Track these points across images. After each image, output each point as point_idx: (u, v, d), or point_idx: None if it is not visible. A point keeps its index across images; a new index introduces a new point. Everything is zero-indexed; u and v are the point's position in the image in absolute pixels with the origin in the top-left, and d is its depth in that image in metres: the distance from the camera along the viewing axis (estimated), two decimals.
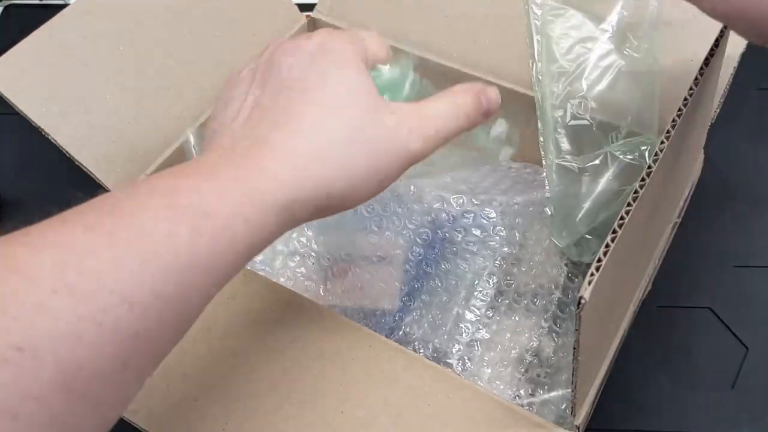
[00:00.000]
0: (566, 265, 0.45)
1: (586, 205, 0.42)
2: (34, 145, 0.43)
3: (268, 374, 0.34)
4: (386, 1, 0.53)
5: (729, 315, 0.50)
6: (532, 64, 0.46)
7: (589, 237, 0.43)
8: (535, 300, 0.45)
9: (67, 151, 0.42)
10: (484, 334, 0.44)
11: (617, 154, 0.42)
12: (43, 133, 0.42)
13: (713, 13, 0.30)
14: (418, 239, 0.47)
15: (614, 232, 0.27)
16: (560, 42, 0.45)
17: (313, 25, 0.56)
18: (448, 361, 0.43)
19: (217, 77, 0.50)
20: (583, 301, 0.25)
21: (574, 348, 0.29)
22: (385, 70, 0.34)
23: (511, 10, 0.49)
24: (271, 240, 0.27)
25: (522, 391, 0.42)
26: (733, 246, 0.54)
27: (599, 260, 0.26)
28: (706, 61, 0.33)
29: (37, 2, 0.76)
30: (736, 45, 0.44)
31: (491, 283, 0.45)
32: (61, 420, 0.20)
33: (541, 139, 0.45)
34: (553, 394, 0.41)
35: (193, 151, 0.46)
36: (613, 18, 0.45)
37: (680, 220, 0.44)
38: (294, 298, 0.37)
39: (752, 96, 0.62)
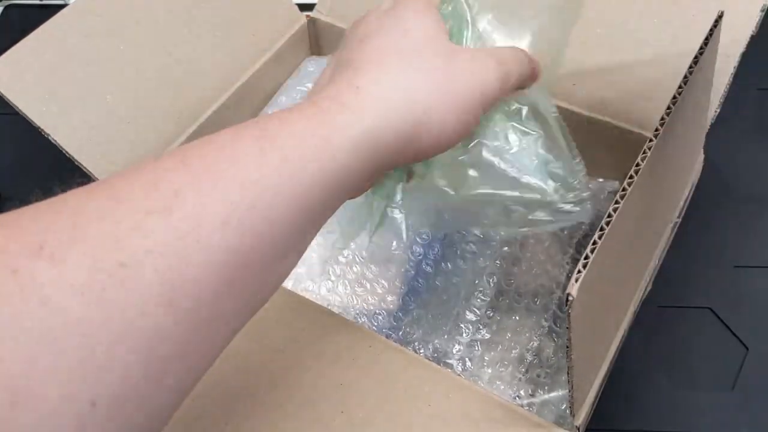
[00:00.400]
0: (567, 263, 0.45)
1: None
2: (34, 145, 0.43)
3: (268, 374, 0.34)
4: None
5: (729, 315, 0.50)
6: None
7: None
8: (536, 300, 0.45)
9: (66, 151, 0.42)
10: (484, 333, 0.44)
11: None
12: (42, 132, 0.42)
13: None
14: (418, 239, 0.47)
15: (602, 229, 0.27)
16: None
17: (313, 25, 0.56)
18: (448, 361, 0.43)
19: (217, 77, 0.50)
20: (570, 299, 0.25)
21: (567, 346, 0.29)
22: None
23: (511, 10, 0.49)
24: (359, 180, 0.28)
25: (522, 392, 0.42)
26: (733, 246, 0.54)
27: (586, 257, 0.26)
28: (695, 59, 0.33)
29: (37, 2, 0.76)
30: (736, 45, 0.44)
31: (491, 283, 0.45)
32: (168, 334, 0.21)
33: None
34: (553, 394, 0.41)
35: None
36: None
37: (680, 220, 0.44)
38: (294, 298, 0.37)
39: (752, 96, 0.62)
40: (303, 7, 0.56)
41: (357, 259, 0.46)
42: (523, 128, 0.35)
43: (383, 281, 0.45)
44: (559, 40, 0.38)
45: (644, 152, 0.30)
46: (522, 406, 0.41)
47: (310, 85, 0.53)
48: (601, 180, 0.48)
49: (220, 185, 0.23)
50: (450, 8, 0.34)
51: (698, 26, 0.45)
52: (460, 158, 0.34)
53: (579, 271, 0.26)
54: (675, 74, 0.45)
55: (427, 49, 0.30)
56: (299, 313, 0.36)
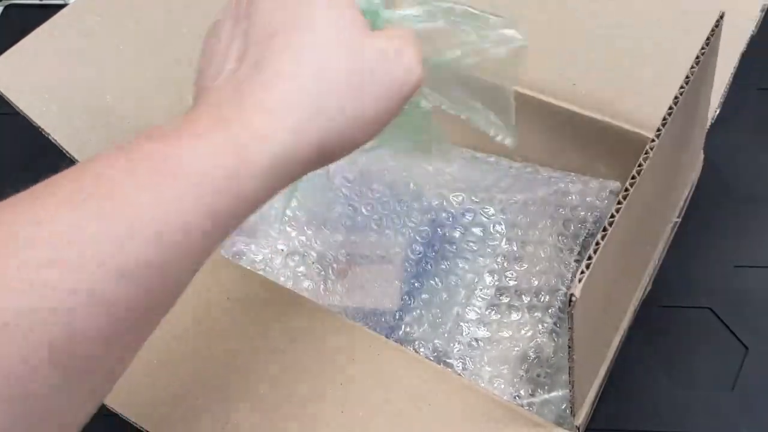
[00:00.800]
0: (573, 262, 0.45)
1: None
2: (34, 145, 0.43)
3: (268, 374, 0.34)
4: (386, 1, 0.52)
5: (729, 315, 0.50)
6: None
7: None
8: (536, 299, 0.45)
9: (67, 151, 0.42)
10: (484, 333, 0.44)
11: None
12: (42, 132, 0.42)
13: None
14: (418, 238, 0.47)
15: (605, 230, 0.27)
16: None
17: None
18: (448, 360, 0.43)
19: None
20: (574, 299, 0.25)
21: (569, 346, 0.29)
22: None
23: (511, 10, 0.49)
24: (268, 196, 0.26)
25: (522, 391, 0.42)
26: (733, 246, 0.54)
27: (590, 258, 0.26)
28: (697, 59, 0.33)
29: (37, 2, 0.76)
30: (736, 45, 0.44)
31: (492, 282, 0.45)
32: (49, 393, 0.20)
33: None
34: (553, 394, 0.41)
35: None
36: None
37: (680, 220, 0.44)
38: (294, 297, 0.37)
39: (752, 96, 0.62)
40: None
41: (357, 259, 0.46)
42: None
43: (383, 281, 0.45)
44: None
45: (646, 152, 0.30)
46: (522, 405, 0.41)
47: None
48: (601, 180, 0.48)
49: (112, 233, 0.21)
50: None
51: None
52: None
53: (582, 272, 0.26)
54: (675, 74, 0.45)
55: (340, 49, 0.27)
56: (299, 313, 0.36)
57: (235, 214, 0.25)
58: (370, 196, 0.49)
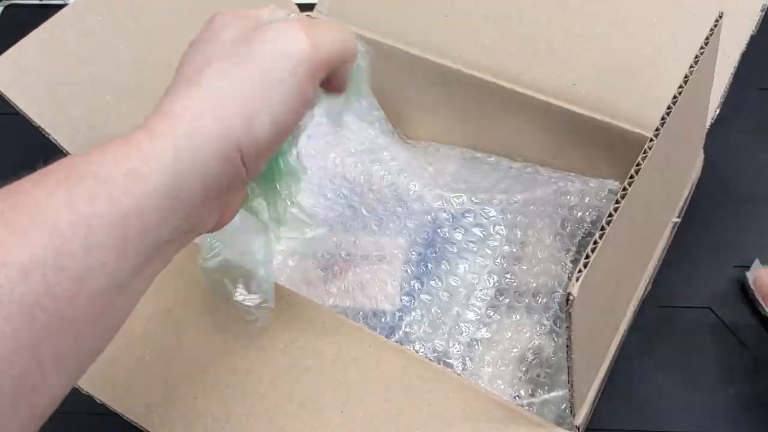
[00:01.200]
0: (570, 263, 0.45)
1: None
2: (34, 145, 0.43)
3: (268, 373, 0.34)
4: (386, 1, 0.52)
5: (729, 315, 0.50)
6: None
7: None
8: (536, 299, 0.45)
9: (67, 151, 0.42)
10: (484, 333, 0.44)
11: None
12: (43, 132, 0.42)
13: None
14: (418, 238, 0.47)
15: (602, 229, 0.27)
16: None
17: None
18: (448, 360, 0.43)
19: None
20: (571, 298, 0.25)
21: (567, 346, 0.29)
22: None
23: (510, 10, 0.49)
24: (189, 206, 0.26)
25: (522, 391, 0.42)
26: (733, 246, 0.54)
27: (587, 257, 0.26)
28: (696, 59, 0.33)
29: (37, 2, 0.76)
30: (736, 45, 0.44)
31: (492, 282, 0.45)
32: None
33: None
34: (553, 394, 0.41)
35: None
36: None
37: (680, 220, 0.44)
38: (294, 298, 0.37)
39: (752, 96, 0.62)
40: (303, 7, 0.56)
41: (357, 259, 0.46)
42: None
43: (383, 280, 0.45)
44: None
45: (644, 152, 0.30)
46: (522, 405, 0.41)
47: None
48: (600, 180, 0.48)
49: (25, 239, 0.21)
50: None
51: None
52: None
53: (580, 271, 0.26)
54: (675, 74, 0.45)
55: (235, 52, 0.29)
56: (299, 313, 0.36)
57: (147, 216, 0.25)
58: (371, 196, 0.49)
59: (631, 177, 0.29)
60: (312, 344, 0.35)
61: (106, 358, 0.35)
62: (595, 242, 0.26)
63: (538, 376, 0.42)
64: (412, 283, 0.45)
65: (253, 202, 0.33)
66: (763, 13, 0.45)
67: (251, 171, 0.29)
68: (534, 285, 0.45)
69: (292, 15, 0.32)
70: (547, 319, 0.44)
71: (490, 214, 0.47)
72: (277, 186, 0.33)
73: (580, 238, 0.46)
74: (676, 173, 0.42)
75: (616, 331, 0.37)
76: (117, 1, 0.46)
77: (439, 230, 0.47)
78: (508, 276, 0.45)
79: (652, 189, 0.35)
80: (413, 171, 0.50)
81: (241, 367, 0.35)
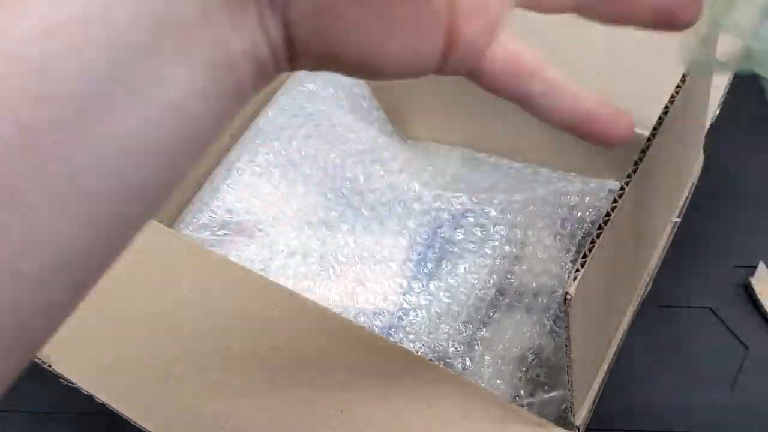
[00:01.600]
0: (570, 263, 0.45)
1: None
2: None
3: (268, 373, 0.34)
4: None
5: (729, 315, 0.50)
6: None
7: None
8: (536, 299, 0.45)
9: None
10: (484, 333, 0.44)
11: None
12: None
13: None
14: (418, 238, 0.47)
15: (599, 228, 0.27)
16: None
17: None
18: (448, 360, 0.43)
19: None
20: (569, 297, 0.25)
21: (566, 345, 0.29)
22: None
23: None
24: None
25: (522, 391, 0.42)
26: (733, 245, 0.54)
27: (584, 256, 0.26)
28: None
29: None
30: (735, 44, 0.44)
31: (492, 282, 0.45)
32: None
33: None
34: (553, 394, 0.41)
35: None
36: None
37: (680, 220, 0.44)
38: (293, 297, 0.37)
39: (752, 96, 0.61)
40: None
41: (357, 258, 0.46)
42: None
43: (383, 280, 0.45)
44: None
45: (642, 151, 0.30)
46: (522, 405, 0.41)
47: (309, 86, 0.53)
48: (600, 180, 0.48)
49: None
50: None
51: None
52: None
53: (577, 270, 0.26)
54: (675, 74, 0.45)
55: None
56: (299, 313, 0.36)
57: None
58: (371, 196, 0.49)
59: (629, 176, 0.29)
60: (312, 344, 0.35)
61: (107, 358, 0.36)
62: (593, 241, 0.26)
63: (538, 376, 0.42)
64: (412, 283, 0.45)
65: None
66: None
67: None
68: (534, 285, 0.45)
69: None
70: (547, 319, 0.44)
71: (490, 214, 0.47)
72: None
73: (580, 238, 0.46)
74: (675, 173, 0.42)
75: (616, 330, 0.37)
76: None
77: (439, 230, 0.47)
78: (508, 276, 0.46)
79: (650, 189, 0.35)
80: (413, 171, 0.50)
81: (242, 366, 0.35)
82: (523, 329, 0.44)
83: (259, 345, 0.35)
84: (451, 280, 0.46)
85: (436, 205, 0.48)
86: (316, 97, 0.52)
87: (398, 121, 0.56)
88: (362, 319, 0.44)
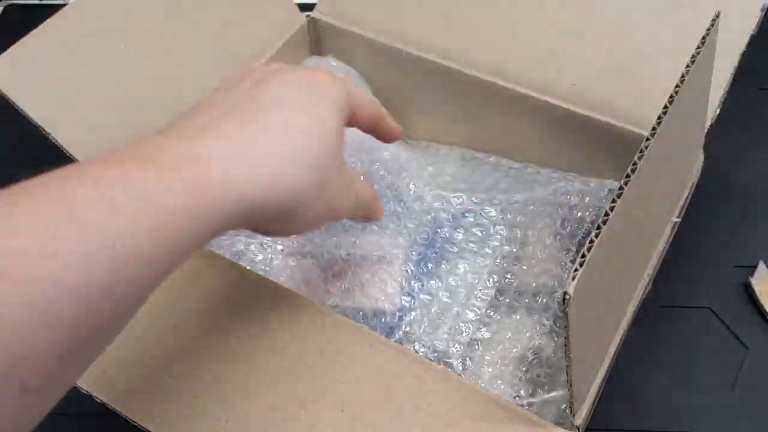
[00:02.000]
0: (569, 263, 0.45)
1: None
2: (34, 145, 0.43)
3: (269, 372, 0.34)
4: (386, 1, 0.53)
5: (729, 315, 0.50)
6: None
7: None
8: (536, 299, 0.45)
9: (66, 150, 0.42)
10: (484, 333, 0.44)
11: None
12: (43, 132, 0.42)
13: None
14: (418, 238, 0.47)
15: (598, 228, 0.27)
16: None
17: (313, 25, 0.56)
18: (448, 360, 0.43)
19: (217, 77, 0.50)
20: (567, 297, 0.25)
21: (565, 345, 0.29)
22: None
23: (510, 10, 0.49)
24: (213, 234, 0.27)
25: (522, 391, 0.42)
26: (733, 246, 0.54)
27: (583, 256, 0.26)
28: (692, 58, 0.33)
29: (37, 2, 0.76)
30: (736, 45, 0.44)
31: (492, 282, 0.45)
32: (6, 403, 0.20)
33: None
34: (553, 394, 0.41)
35: None
36: None
37: (680, 220, 0.44)
38: (294, 297, 0.37)
39: (752, 96, 0.62)
40: (303, 7, 0.56)
41: (357, 259, 0.46)
42: None
43: (383, 280, 0.45)
44: None
45: (641, 151, 0.30)
46: (522, 405, 0.41)
47: None
48: (601, 179, 0.48)
49: (65, 254, 0.21)
50: None
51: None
52: None
53: (576, 270, 0.26)
54: (675, 74, 0.45)
55: (319, 140, 0.31)
56: (299, 313, 0.36)
57: (185, 242, 0.25)
58: None
59: (627, 176, 0.29)
60: (312, 343, 0.35)
61: (107, 358, 0.35)
62: (591, 241, 0.26)
63: (538, 376, 0.42)
64: (412, 283, 0.45)
65: None
66: (763, 13, 0.45)
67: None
68: (534, 285, 0.45)
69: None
70: (547, 319, 0.44)
71: (490, 214, 0.47)
72: None
73: (580, 238, 0.46)
74: (675, 173, 0.42)
75: (616, 330, 0.37)
76: (117, 1, 0.46)
77: (439, 230, 0.47)
78: (508, 276, 0.46)
79: (650, 189, 0.35)
80: (413, 171, 0.50)
81: (242, 366, 0.35)
82: (523, 329, 0.44)
83: (259, 344, 0.35)
84: (451, 280, 0.46)
85: (436, 205, 0.48)
86: None
87: (398, 121, 0.56)
88: (362, 319, 0.44)
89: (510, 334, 0.44)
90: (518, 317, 0.44)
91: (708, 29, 0.34)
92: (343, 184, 0.33)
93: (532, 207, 0.47)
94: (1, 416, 0.21)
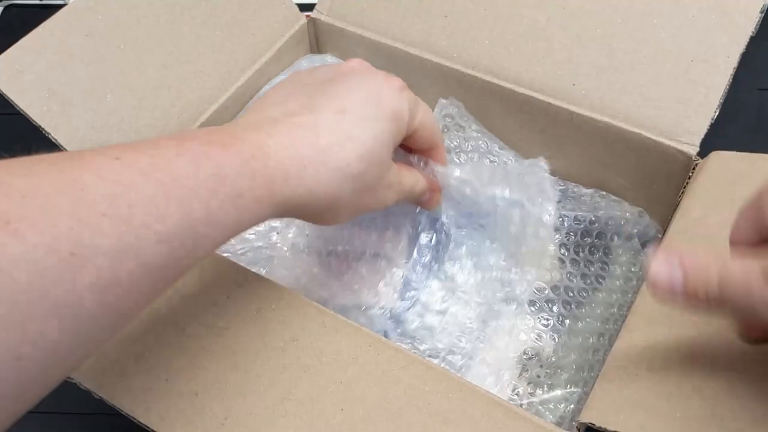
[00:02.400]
0: (568, 263, 0.45)
1: None
2: (34, 145, 0.43)
3: (268, 372, 0.34)
4: (386, 1, 0.53)
5: None
6: None
7: None
8: (536, 299, 0.45)
9: (67, 150, 0.42)
10: (484, 332, 0.44)
11: None
12: (43, 132, 0.42)
13: None
14: (419, 237, 0.47)
15: None
16: None
17: (313, 25, 0.56)
18: (448, 360, 0.43)
19: (217, 76, 0.50)
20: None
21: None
22: None
23: (511, 10, 0.49)
24: (265, 219, 0.31)
25: (521, 391, 0.42)
26: None
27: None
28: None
29: (37, 2, 0.76)
30: (736, 45, 0.44)
31: (492, 283, 0.45)
32: (90, 318, 0.25)
33: None
34: (552, 394, 0.41)
35: None
36: None
37: None
38: (293, 296, 0.37)
39: (752, 96, 0.62)
40: (303, 7, 0.56)
41: (358, 258, 0.46)
42: None
43: (384, 279, 0.45)
44: None
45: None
46: (521, 405, 0.41)
47: None
48: (600, 180, 0.48)
49: (165, 207, 0.26)
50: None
51: (698, 26, 0.45)
52: None
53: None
54: (674, 74, 0.45)
55: (379, 138, 0.34)
56: (298, 312, 0.36)
57: (243, 220, 0.30)
58: None
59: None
60: (311, 343, 0.35)
61: (106, 355, 0.35)
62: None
63: (538, 376, 0.42)
64: (411, 282, 0.45)
65: None
66: (763, 14, 0.45)
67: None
68: (533, 286, 0.45)
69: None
70: (546, 320, 0.44)
71: (490, 214, 0.47)
72: None
73: (579, 238, 0.46)
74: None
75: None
76: (117, 1, 0.46)
77: (439, 229, 0.47)
78: (508, 276, 0.45)
79: None
80: None
81: (241, 364, 0.35)
82: (523, 329, 0.44)
83: (259, 343, 0.35)
84: (451, 278, 0.46)
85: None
86: None
87: None
88: (362, 319, 0.44)
89: (510, 334, 0.44)
90: (518, 317, 0.44)
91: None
92: (383, 186, 0.36)
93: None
94: (88, 327, 0.24)
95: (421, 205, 0.43)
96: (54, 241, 0.23)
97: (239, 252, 0.47)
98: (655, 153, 0.44)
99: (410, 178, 0.39)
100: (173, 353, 0.35)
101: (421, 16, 0.51)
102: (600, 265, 0.45)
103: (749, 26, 0.44)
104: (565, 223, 0.46)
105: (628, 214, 0.46)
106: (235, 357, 0.35)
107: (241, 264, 0.39)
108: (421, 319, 0.44)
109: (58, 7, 0.44)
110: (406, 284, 0.45)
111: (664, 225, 0.45)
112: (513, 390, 0.42)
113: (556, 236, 0.46)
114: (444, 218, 0.47)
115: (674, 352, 0.33)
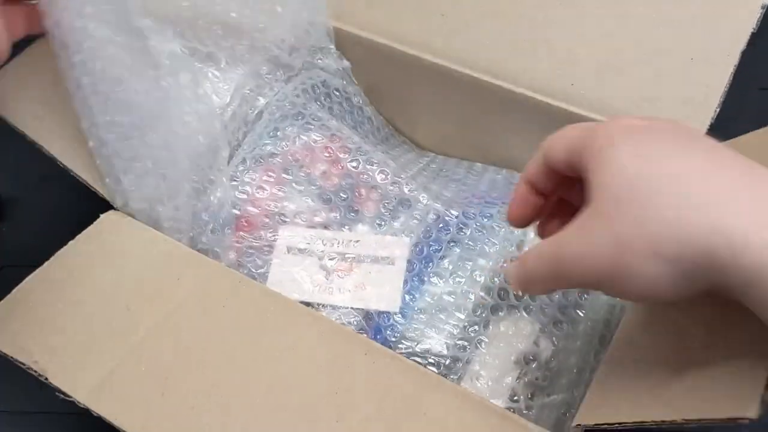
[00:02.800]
0: None
1: None
2: (33, 146, 0.43)
3: (265, 380, 0.34)
4: (386, 1, 0.52)
5: None
6: None
7: None
8: (536, 301, 0.44)
9: (60, 162, 0.42)
10: (484, 334, 0.44)
11: None
12: (36, 146, 0.42)
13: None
14: (419, 238, 0.47)
15: None
16: None
17: None
18: (447, 361, 0.43)
19: (216, 80, 0.50)
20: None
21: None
22: None
23: (510, 10, 0.49)
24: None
25: (521, 395, 0.42)
26: None
27: None
28: None
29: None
30: (736, 44, 0.44)
31: (492, 283, 0.45)
32: None
33: None
34: (552, 397, 0.41)
35: None
36: None
37: None
38: (292, 303, 0.37)
39: (752, 96, 0.61)
40: None
41: (358, 259, 0.46)
42: None
43: (384, 280, 0.45)
44: None
45: None
46: (521, 409, 0.41)
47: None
48: None
49: None
50: None
51: (698, 26, 0.45)
52: None
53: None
54: (674, 74, 0.45)
55: None
56: (295, 320, 0.36)
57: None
58: (373, 196, 0.49)
59: None
60: (308, 351, 0.35)
61: (102, 368, 0.35)
62: None
63: (537, 379, 0.42)
64: (413, 282, 0.45)
65: None
66: (763, 12, 0.45)
67: None
68: None
69: None
70: (546, 324, 0.44)
71: (491, 215, 0.47)
72: None
73: None
74: None
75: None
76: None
77: (440, 230, 0.47)
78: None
79: None
80: (415, 173, 0.50)
81: (237, 373, 0.35)
82: (523, 331, 0.44)
83: (256, 352, 0.35)
84: (452, 281, 0.45)
85: (437, 206, 0.48)
86: (315, 103, 0.53)
87: (397, 121, 0.56)
88: (362, 320, 0.44)
89: (509, 336, 0.44)
90: (518, 319, 0.44)
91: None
92: None
93: None
94: None
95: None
96: None
97: (239, 257, 0.47)
98: None
99: None
100: (171, 361, 0.35)
101: (421, 16, 0.51)
102: None
103: (749, 25, 0.44)
104: None
105: None
106: (232, 366, 0.35)
107: (241, 264, 0.39)
108: (421, 321, 0.44)
109: None
110: (407, 285, 0.45)
111: None
112: (512, 393, 0.42)
113: None
114: (445, 217, 0.47)
115: (674, 352, 0.33)
